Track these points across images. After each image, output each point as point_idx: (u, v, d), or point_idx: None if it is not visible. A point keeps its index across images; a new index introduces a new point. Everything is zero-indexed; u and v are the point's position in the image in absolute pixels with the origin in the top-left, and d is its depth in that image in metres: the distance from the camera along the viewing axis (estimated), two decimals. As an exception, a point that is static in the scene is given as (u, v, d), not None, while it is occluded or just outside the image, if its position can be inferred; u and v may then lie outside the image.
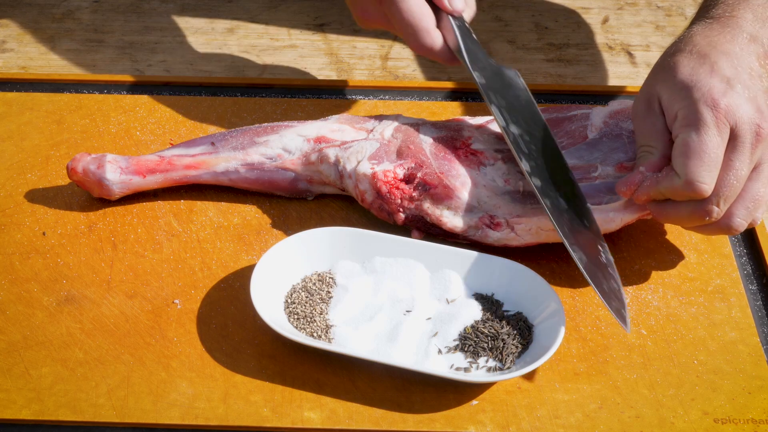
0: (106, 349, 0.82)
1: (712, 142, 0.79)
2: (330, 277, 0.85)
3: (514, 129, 0.87)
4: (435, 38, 0.90)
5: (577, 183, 0.87)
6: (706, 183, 0.79)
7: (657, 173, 0.82)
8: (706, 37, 0.84)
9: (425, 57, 0.91)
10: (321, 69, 1.15)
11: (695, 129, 0.79)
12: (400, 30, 0.91)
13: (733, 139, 0.80)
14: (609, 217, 0.87)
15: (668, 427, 0.77)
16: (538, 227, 0.87)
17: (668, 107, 0.83)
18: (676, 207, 0.82)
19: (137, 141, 1.01)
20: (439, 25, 0.91)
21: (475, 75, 0.90)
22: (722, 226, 0.83)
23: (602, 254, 0.83)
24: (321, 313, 0.83)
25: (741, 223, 0.83)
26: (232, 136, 0.94)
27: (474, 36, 0.91)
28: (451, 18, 0.91)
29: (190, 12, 1.24)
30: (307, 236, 0.86)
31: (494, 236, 0.87)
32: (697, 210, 0.81)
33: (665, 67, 0.84)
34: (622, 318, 0.80)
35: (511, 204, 0.88)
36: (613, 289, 0.81)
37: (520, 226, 0.87)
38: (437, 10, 0.91)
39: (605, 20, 1.24)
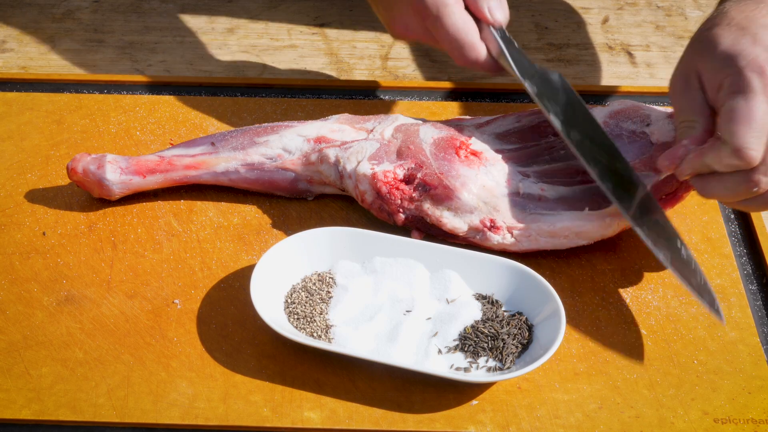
0: (106, 349, 0.82)
1: (761, 109, 0.77)
2: (330, 277, 0.85)
3: (574, 134, 0.87)
4: (480, 51, 0.90)
5: (642, 182, 0.85)
6: (755, 149, 0.76)
7: (702, 146, 0.80)
8: (741, 12, 0.82)
9: (470, 69, 0.91)
10: (321, 69, 1.15)
11: (743, 95, 0.77)
12: (444, 44, 0.91)
13: None
14: (605, 222, 0.87)
15: (668, 427, 0.77)
16: (537, 234, 0.87)
17: (710, 79, 0.80)
18: (721, 179, 0.79)
19: (137, 141, 1.01)
20: (480, 36, 0.91)
21: (527, 84, 0.89)
22: None
23: (683, 251, 0.82)
24: (321, 313, 0.83)
25: None
26: (232, 136, 0.94)
27: (516, 44, 0.91)
28: (491, 28, 0.91)
29: (190, 12, 1.24)
30: (307, 236, 0.86)
31: (494, 240, 0.87)
32: (743, 181, 0.78)
33: (703, 41, 0.82)
34: (717, 312, 0.79)
35: (511, 208, 0.88)
36: (701, 284, 0.81)
37: (519, 232, 0.87)
38: (477, 20, 0.91)
39: (605, 20, 1.24)
